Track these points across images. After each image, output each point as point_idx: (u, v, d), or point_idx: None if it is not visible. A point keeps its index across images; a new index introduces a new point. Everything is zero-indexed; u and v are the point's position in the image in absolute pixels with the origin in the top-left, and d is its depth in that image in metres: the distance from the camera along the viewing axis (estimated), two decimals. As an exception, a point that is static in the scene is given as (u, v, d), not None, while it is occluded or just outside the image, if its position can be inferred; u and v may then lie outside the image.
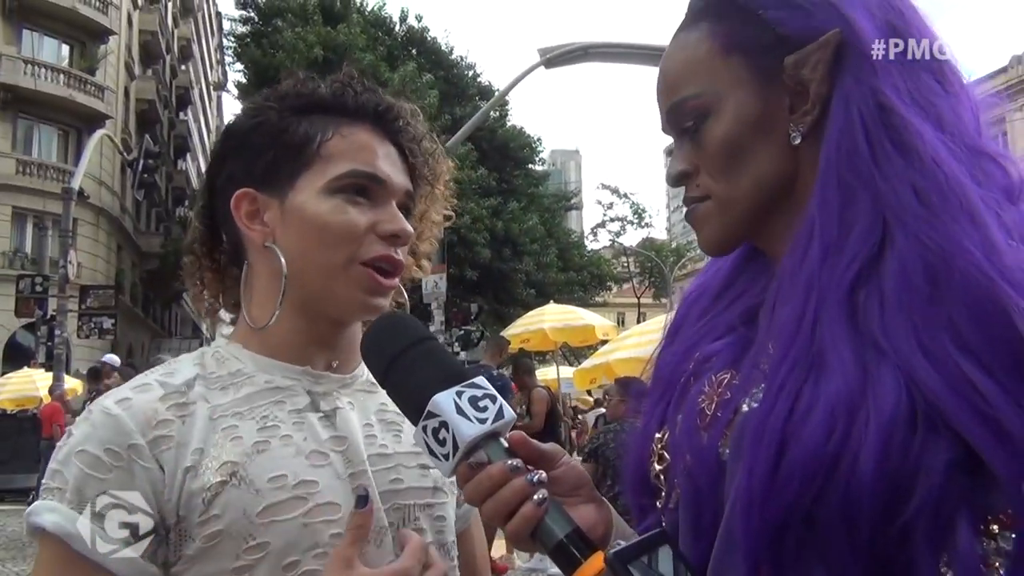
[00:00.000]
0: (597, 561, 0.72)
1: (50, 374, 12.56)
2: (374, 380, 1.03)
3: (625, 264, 42.89)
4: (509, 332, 11.28)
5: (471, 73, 29.15)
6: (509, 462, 0.76)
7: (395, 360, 0.83)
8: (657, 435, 0.89)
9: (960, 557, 0.64)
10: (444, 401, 0.77)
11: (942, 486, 0.64)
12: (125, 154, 23.16)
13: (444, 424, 0.76)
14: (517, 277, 26.27)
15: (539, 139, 30.66)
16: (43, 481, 0.89)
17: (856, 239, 0.74)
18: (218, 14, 45.70)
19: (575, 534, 0.74)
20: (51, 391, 11.79)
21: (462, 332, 17.31)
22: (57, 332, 15.62)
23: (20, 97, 22.68)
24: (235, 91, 28.84)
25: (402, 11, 29.03)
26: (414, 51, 27.85)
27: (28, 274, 18.44)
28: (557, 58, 11.81)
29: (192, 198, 33.73)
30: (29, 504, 1.20)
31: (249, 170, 1.00)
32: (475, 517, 1.17)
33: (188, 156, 41.35)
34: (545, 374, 12.25)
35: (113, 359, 11.10)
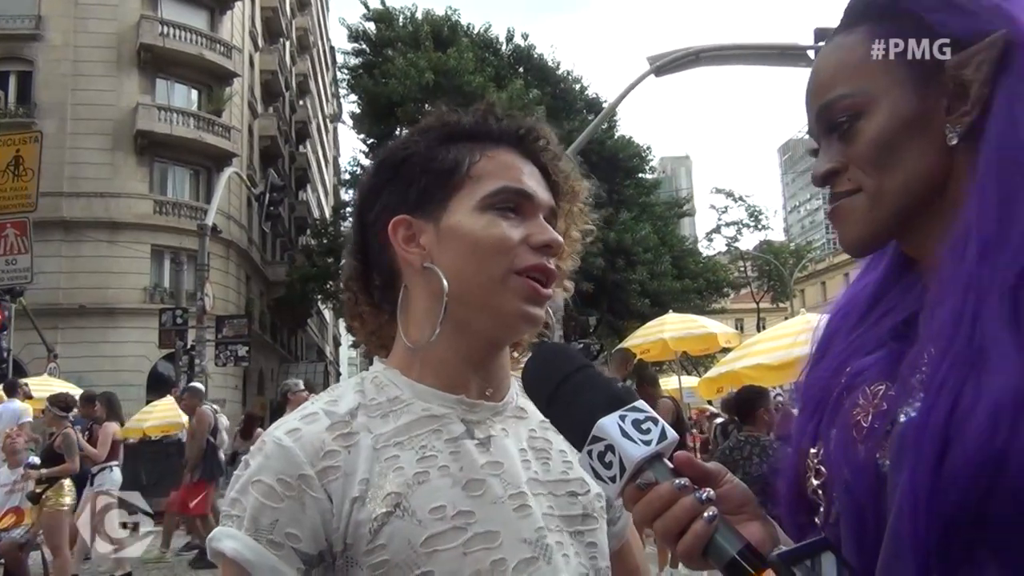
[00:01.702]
0: None
1: (192, 401, 13.23)
2: (523, 406, 1.08)
3: (742, 269, 41.86)
4: (629, 343, 11.17)
5: (578, 87, 29.24)
6: (676, 481, 0.77)
7: (559, 387, 0.85)
8: (812, 450, 0.88)
9: None
10: (609, 425, 0.79)
11: None
12: (252, 189, 24.46)
13: (610, 447, 0.79)
14: (631, 288, 26.01)
15: (648, 147, 30.44)
16: (224, 508, 0.95)
17: (1018, 239, 0.74)
18: (332, 48, 47.64)
19: (747, 550, 0.75)
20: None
21: (581, 345, 17.27)
22: (197, 361, 16.54)
23: (155, 142, 24.30)
24: (350, 121, 29.88)
25: (508, 31, 29.39)
26: (521, 69, 28.21)
27: (169, 307, 19.61)
28: (667, 65, 11.67)
29: (313, 227, 35.24)
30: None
31: (402, 199, 1.05)
32: (631, 528, 1.18)
33: (308, 187, 43.19)
34: (664, 384, 12.01)
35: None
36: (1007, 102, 0.77)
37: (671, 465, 0.79)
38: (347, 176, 31.01)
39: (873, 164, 0.82)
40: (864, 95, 0.82)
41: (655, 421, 0.80)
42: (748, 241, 42.42)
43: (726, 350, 10.70)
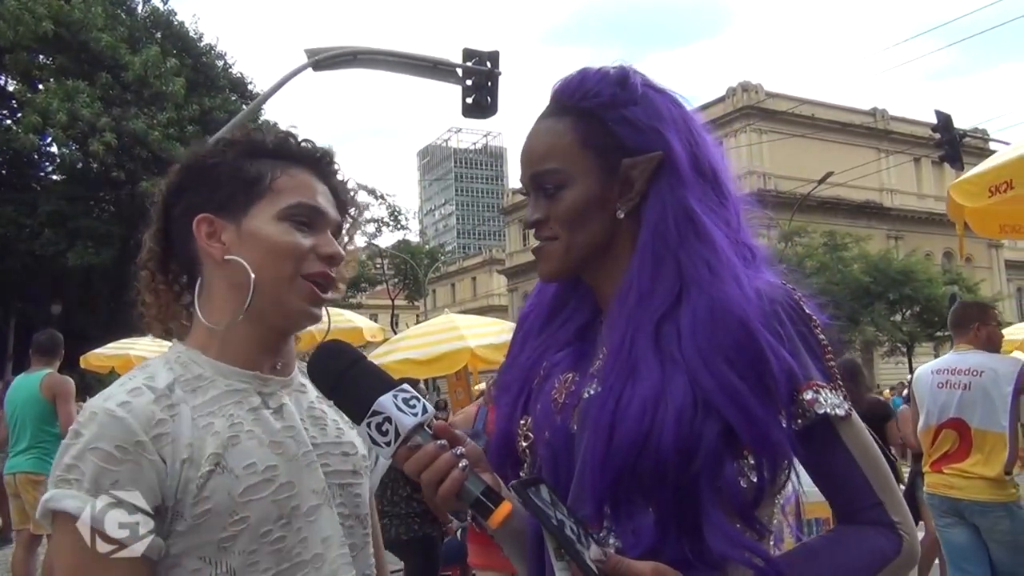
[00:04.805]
0: (506, 507, 1.00)
1: None
2: (304, 382, 1.28)
3: (379, 265, 42.89)
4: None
5: (222, 63, 27.72)
6: (438, 442, 1.02)
7: (342, 375, 1.06)
8: (521, 421, 1.20)
9: (725, 479, 0.99)
10: (387, 402, 1.02)
11: (716, 444, 0.99)
12: None
13: (388, 419, 1.01)
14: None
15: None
16: (57, 474, 1.03)
17: (662, 291, 1.08)
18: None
19: (488, 490, 1.02)
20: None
21: None
22: None
23: None
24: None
25: (146, -10, 26.82)
26: (158, 35, 25.99)
27: None
28: (326, 60, 11.69)
29: None
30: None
31: (207, 200, 1.20)
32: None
33: None
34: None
35: None
36: (660, 199, 1.11)
37: (431, 431, 1.03)
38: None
39: (568, 224, 1.13)
40: (567, 173, 1.13)
41: (418, 399, 1.03)
42: (387, 239, 43.57)
43: (370, 344, 11.01)
